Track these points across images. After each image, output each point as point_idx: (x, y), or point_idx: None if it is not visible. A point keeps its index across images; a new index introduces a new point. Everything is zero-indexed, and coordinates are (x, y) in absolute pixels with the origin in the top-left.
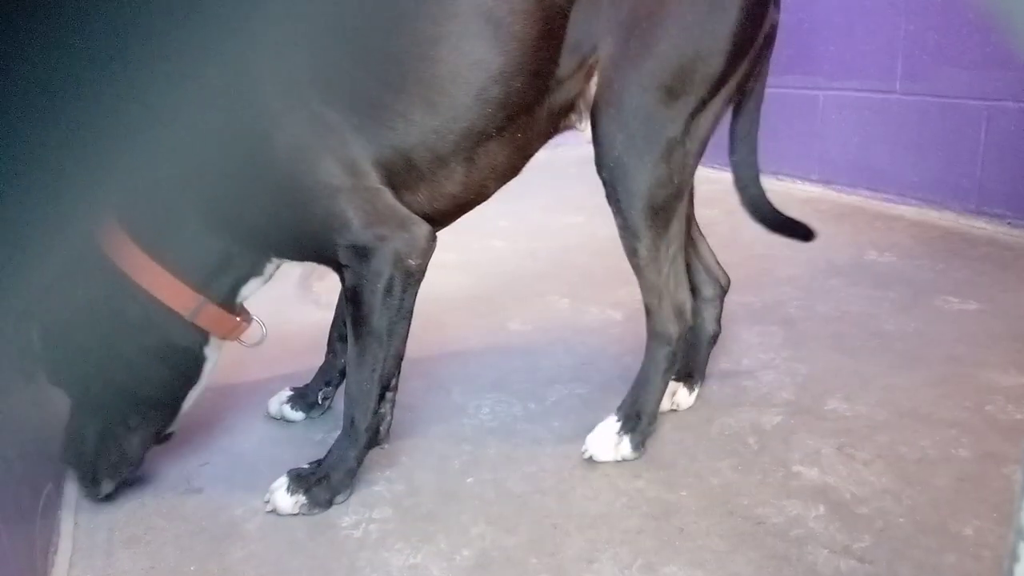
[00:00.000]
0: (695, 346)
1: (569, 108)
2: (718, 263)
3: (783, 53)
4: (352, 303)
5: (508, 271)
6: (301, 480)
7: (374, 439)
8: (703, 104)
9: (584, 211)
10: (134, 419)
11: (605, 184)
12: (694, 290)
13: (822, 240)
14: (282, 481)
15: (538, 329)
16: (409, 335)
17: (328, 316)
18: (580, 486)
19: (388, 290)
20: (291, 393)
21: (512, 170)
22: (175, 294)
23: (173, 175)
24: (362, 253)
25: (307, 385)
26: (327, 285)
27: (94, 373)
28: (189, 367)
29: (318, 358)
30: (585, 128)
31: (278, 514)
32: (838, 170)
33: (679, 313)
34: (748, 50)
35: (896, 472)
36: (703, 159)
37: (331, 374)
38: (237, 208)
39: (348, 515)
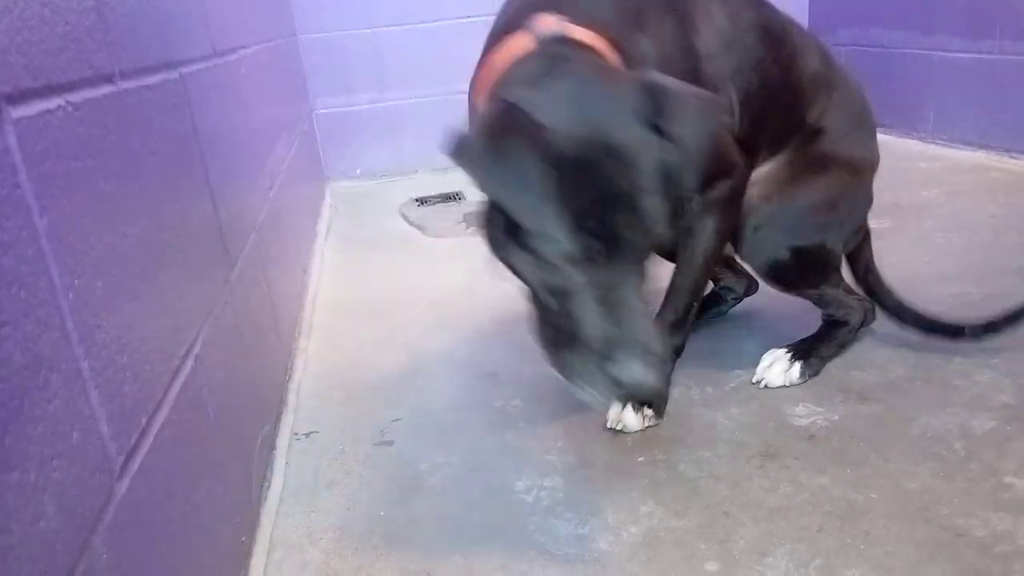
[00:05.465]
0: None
1: None
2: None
3: None
4: (699, 226)
5: None
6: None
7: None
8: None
9: None
10: None
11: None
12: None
13: None
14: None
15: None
16: None
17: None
18: (756, 476)
19: (733, 212)
20: None
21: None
22: None
23: None
24: (723, 180)
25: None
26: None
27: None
28: None
29: (496, 328)
30: None
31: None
32: None
33: (862, 306)
34: None
35: None
36: (924, 135)
37: None
38: None
39: (522, 480)
